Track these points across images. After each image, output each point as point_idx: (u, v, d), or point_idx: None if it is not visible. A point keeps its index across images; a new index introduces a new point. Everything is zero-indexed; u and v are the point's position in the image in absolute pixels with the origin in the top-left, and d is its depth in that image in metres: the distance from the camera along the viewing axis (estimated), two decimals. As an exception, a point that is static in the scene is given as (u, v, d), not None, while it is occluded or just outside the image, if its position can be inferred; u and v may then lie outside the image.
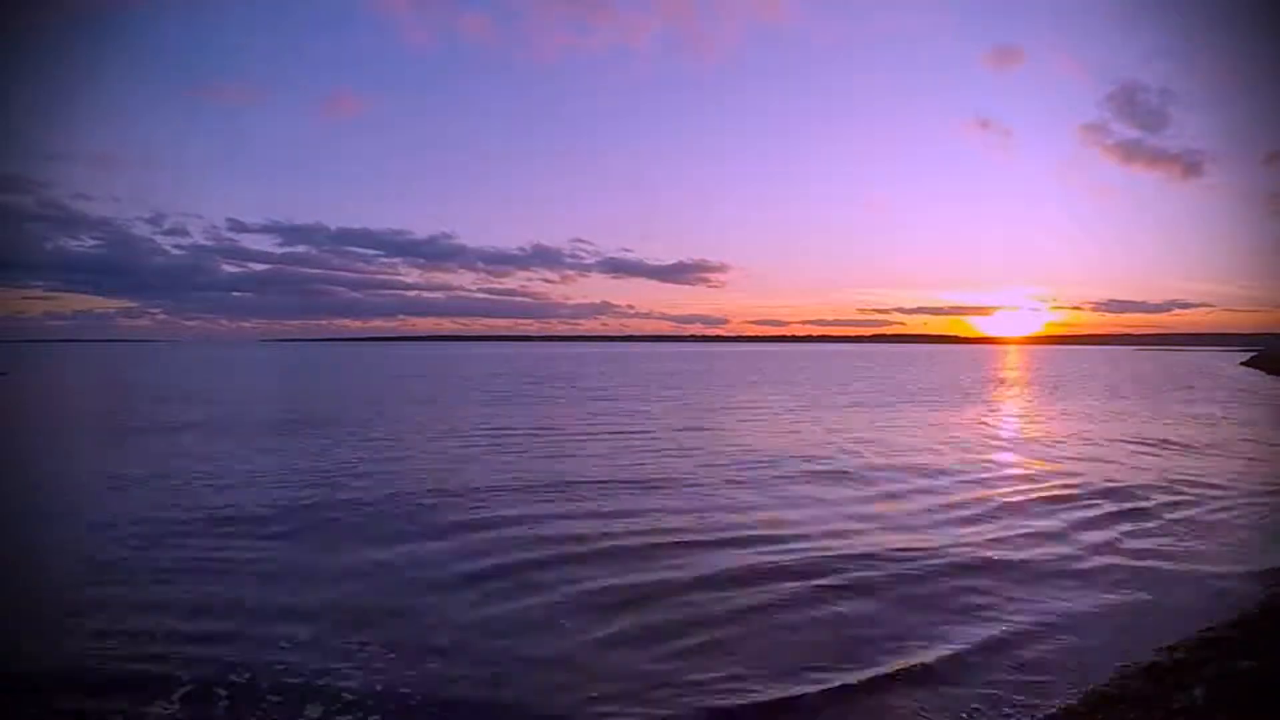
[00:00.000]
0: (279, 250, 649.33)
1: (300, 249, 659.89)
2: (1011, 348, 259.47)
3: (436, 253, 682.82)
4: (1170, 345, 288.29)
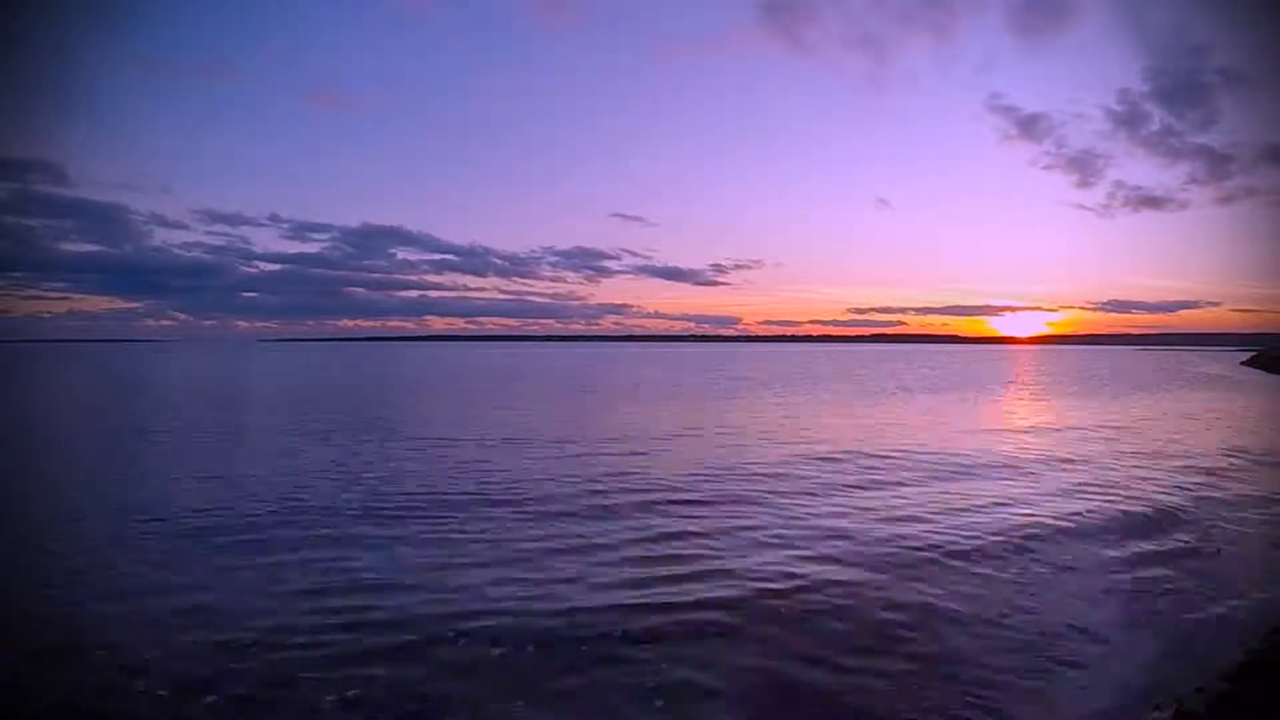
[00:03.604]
0: (296, 249, 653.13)
1: (317, 248, 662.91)
2: (1024, 348, 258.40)
3: (457, 252, 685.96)
4: (1178, 345, 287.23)
